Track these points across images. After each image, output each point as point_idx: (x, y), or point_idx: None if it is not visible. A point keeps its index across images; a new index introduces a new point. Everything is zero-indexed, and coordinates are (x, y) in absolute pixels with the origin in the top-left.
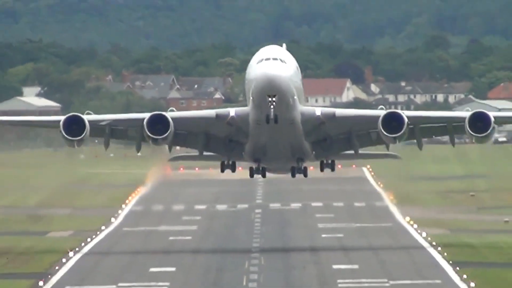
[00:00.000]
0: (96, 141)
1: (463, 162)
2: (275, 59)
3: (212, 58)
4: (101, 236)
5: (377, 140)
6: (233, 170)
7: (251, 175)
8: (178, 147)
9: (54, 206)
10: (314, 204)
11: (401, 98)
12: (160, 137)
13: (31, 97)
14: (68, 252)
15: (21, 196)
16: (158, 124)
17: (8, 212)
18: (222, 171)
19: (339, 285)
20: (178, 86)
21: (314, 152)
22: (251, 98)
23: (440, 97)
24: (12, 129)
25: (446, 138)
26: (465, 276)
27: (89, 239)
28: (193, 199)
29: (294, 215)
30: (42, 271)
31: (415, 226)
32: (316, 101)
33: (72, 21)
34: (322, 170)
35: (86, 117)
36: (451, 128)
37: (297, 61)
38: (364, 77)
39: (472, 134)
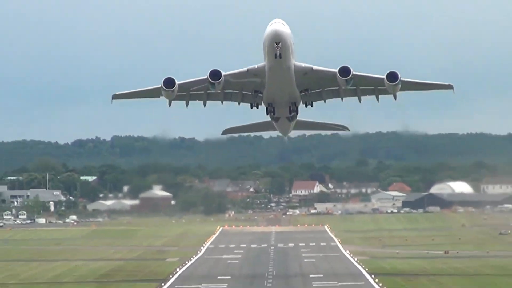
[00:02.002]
0: (191, 209)
1: (375, 222)
2: (279, 22)
3: (248, 171)
4: (192, 260)
5: (338, 93)
6: (257, 107)
7: (267, 113)
8: (231, 214)
9: (169, 246)
10: (300, 244)
11: (344, 190)
12: (217, 81)
13: (157, 191)
14: (176, 269)
15: (152, 241)
16: (215, 76)
17: (145, 249)
18: (251, 108)
19: (313, 284)
20: (231, 184)
21: (301, 99)
22: (265, 49)
23: (363, 190)
24: (144, 206)
25: (367, 209)
26: (376, 280)
27: (187, 262)
28: (239, 241)
29: (290, 249)
30: (163, 278)
31: (351, 255)
32: (301, 191)
33: (177, 154)
34: (306, 106)
35: (175, 80)
36: (377, 90)
37: (290, 174)
38: (325, 180)
39: (389, 84)
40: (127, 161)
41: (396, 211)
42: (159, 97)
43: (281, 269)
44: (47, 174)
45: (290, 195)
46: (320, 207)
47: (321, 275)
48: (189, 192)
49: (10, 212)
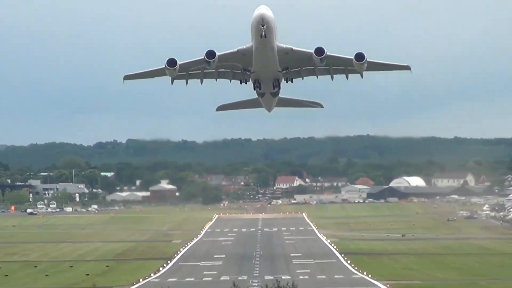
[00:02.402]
0: (192, 200)
1: (344, 211)
2: (264, 8)
3: (240, 168)
4: (193, 242)
5: (314, 72)
6: (246, 83)
7: (254, 88)
8: (225, 204)
9: (174, 230)
10: (282, 228)
11: (319, 184)
12: (212, 60)
13: (164, 185)
14: (180, 249)
15: (160, 226)
16: (210, 55)
17: (154, 233)
18: (241, 83)
19: (293, 261)
20: (225, 179)
21: (283, 77)
22: (253, 31)
23: (334, 183)
24: (154, 197)
25: (338, 200)
26: (345, 258)
27: (189, 243)
28: (232, 226)
29: (274, 233)
30: (168, 256)
31: (325, 237)
32: (283, 185)
33: (180, 154)
34: (286, 82)
35: (177, 60)
36: (347, 70)
37: (274, 170)
38: (303, 175)
39: (357, 63)
40: (140, 160)
41: (361, 201)
42: (163, 76)
43: (267, 249)
44: (73, 170)
45: (274, 188)
46: (299, 198)
47: (300, 254)
48: (190, 185)
49: (42, 202)
